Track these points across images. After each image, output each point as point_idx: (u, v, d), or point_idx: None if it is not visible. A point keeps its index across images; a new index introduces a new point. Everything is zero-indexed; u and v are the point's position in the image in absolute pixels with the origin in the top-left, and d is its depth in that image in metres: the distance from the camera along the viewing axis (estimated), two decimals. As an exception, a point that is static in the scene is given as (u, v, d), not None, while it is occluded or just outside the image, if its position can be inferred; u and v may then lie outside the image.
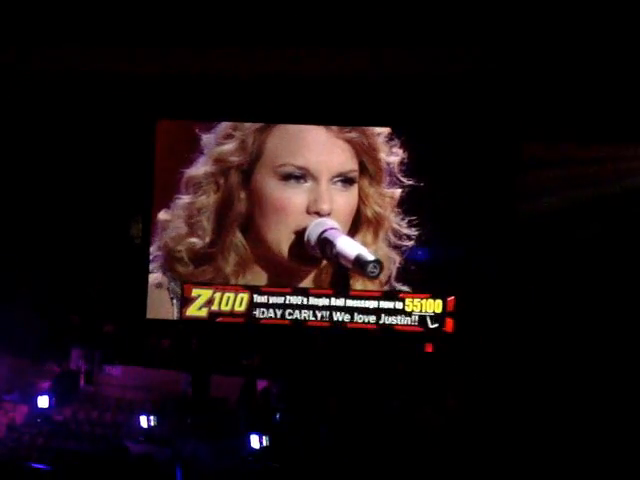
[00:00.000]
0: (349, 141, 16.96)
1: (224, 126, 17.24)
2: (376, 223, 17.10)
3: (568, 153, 17.81)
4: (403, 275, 17.38)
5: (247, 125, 17.15)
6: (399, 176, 17.12)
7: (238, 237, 17.12)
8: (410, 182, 17.13)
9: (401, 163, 17.13)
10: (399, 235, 17.24)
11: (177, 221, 17.46)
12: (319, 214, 16.69)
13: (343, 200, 16.89)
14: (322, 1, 16.33)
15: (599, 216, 17.74)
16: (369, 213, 17.05)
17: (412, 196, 17.23)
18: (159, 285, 17.70)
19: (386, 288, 17.50)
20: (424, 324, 17.64)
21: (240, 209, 17.08)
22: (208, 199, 17.15)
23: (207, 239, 17.26)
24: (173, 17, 17.06)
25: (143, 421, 17.94)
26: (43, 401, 18.80)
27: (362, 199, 16.97)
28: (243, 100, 17.80)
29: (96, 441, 18.05)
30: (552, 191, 17.87)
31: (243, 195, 17.03)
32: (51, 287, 20.21)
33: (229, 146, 17.08)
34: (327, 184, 16.73)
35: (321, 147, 17.07)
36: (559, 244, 17.66)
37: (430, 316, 17.64)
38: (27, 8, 17.22)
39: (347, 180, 16.86)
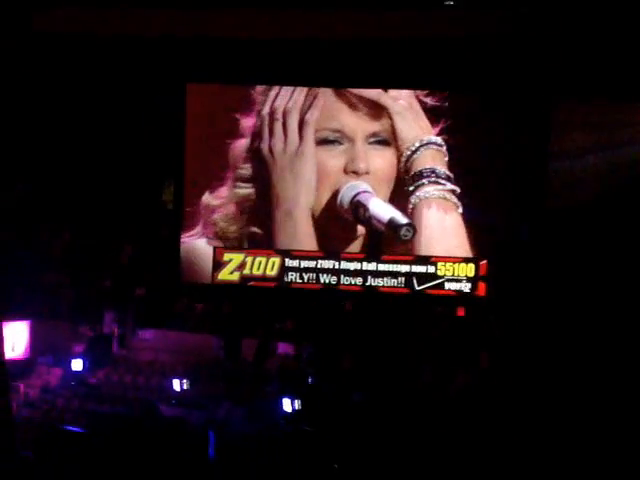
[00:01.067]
0: (372, 103, 17.06)
1: (257, 99, 17.21)
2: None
3: (603, 114, 17.62)
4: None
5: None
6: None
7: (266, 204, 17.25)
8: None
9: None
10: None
11: (229, 205, 17.62)
12: (356, 173, 16.79)
13: (380, 160, 17.02)
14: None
15: (634, 181, 17.56)
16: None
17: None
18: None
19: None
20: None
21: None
22: (244, 172, 17.28)
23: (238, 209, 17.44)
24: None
25: (176, 385, 18.00)
26: (77, 364, 18.93)
27: (399, 159, 17.01)
28: (276, 63, 17.73)
29: (129, 404, 18.12)
30: (588, 153, 17.71)
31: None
32: (84, 251, 20.30)
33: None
34: (363, 144, 16.86)
35: (353, 109, 17.07)
36: (594, 212, 17.48)
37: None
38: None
39: (382, 141, 16.92)
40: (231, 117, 17.38)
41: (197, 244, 17.68)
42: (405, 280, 17.62)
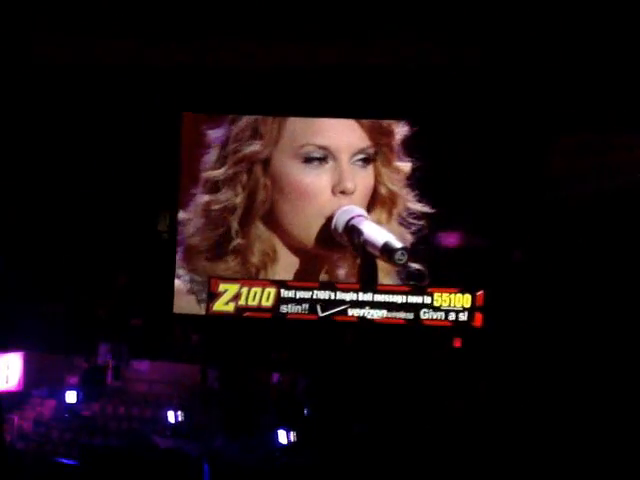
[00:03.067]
0: (360, 122, 17.15)
1: (244, 124, 17.23)
2: (390, 202, 17.09)
3: (595, 142, 17.64)
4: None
5: (268, 118, 17.13)
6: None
7: (261, 228, 17.17)
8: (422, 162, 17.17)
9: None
10: (412, 213, 17.18)
11: (197, 219, 17.57)
12: (344, 193, 16.77)
13: (363, 179, 17.10)
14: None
15: (627, 205, 17.55)
16: (383, 191, 17.06)
17: (439, 185, 17.21)
18: (188, 291, 17.81)
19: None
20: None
21: (262, 199, 17.13)
22: (235, 198, 17.20)
23: (236, 236, 17.32)
24: (198, 11, 17.07)
25: (170, 416, 17.88)
26: (71, 396, 18.78)
27: (377, 179, 16.98)
28: (262, 94, 17.78)
29: (123, 436, 17.99)
30: (581, 180, 17.71)
31: (265, 185, 17.07)
32: (78, 282, 20.20)
33: (252, 145, 17.11)
34: (348, 163, 16.81)
35: (339, 126, 17.14)
36: (588, 235, 17.47)
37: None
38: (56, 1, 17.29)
39: (365, 159, 17.05)
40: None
41: (186, 285, 17.76)
42: (402, 310, 17.58)
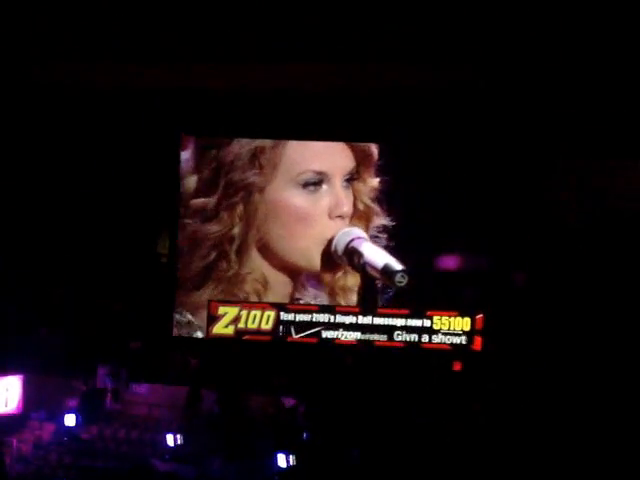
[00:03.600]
0: (349, 144, 17.25)
1: (239, 150, 17.24)
2: (366, 217, 17.09)
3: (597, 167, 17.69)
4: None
5: (265, 144, 17.15)
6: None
7: (254, 256, 17.23)
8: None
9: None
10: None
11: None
12: (341, 217, 16.80)
13: (349, 199, 17.02)
14: (335, 21, 16.43)
15: (628, 229, 17.58)
16: (361, 206, 17.09)
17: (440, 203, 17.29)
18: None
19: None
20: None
21: (258, 227, 17.17)
22: (232, 228, 17.25)
23: (234, 265, 17.36)
24: (200, 35, 17.14)
25: (170, 440, 17.83)
26: (70, 419, 18.74)
27: (355, 196, 17.11)
28: (256, 117, 17.85)
29: (122, 459, 17.94)
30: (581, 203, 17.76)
31: (261, 212, 17.12)
32: (77, 305, 20.19)
33: (255, 175, 17.17)
34: (341, 186, 16.89)
35: (332, 150, 17.22)
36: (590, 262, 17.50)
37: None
38: (56, 26, 17.34)
39: (350, 179, 17.13)
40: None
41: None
42: (401, 334, 17.59)
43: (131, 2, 16.49)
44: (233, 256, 17.26)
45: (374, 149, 17.31)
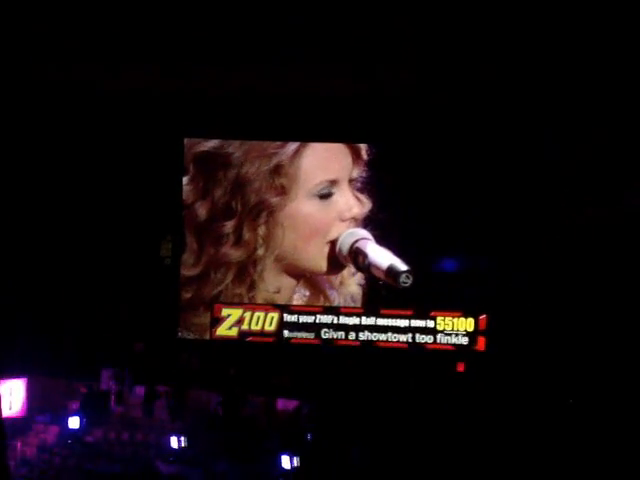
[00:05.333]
0: (353, 149, 17.29)
1: (257, 172, 17.27)
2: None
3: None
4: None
5: (285, 162, 17.16)
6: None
7: (271, 269, 17.31)
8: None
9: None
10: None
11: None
12: (354, 219, 16.89)
13: (358, 200, 17.17)
14: (336, 25, 16.50)
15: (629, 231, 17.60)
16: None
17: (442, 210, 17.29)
18: None
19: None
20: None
21: (278, 243, 17.26)
22: (256, 252, 17.38)
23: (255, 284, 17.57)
24: (202, 37, 17.18)
25: (174, 442, 17.83)
26: (74, 422, 18.73)
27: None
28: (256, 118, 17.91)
29: (127, 462, 17.93)
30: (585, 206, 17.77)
31: (281, 228, 17.21)
32: (81, 308, 20.20)
33: (277, 197, 17.25)
34: (348, 189, 16.99)
35: (339, 155, 17.32)
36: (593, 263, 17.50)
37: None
38: (60, 27, 17.38)
39: (354, 182, 17.20)
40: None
41: None
42: (405, 334, 17.58)
43: (134, 3, 16.52)
44: (256, 277, 17.34)
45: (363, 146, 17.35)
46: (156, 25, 16.67)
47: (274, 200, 17.21)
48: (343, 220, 17.07)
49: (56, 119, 19.06)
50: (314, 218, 17.12)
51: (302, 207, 17.16)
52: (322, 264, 17.15)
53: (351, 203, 17.09)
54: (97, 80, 17.98)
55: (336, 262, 17.07)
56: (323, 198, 17.12)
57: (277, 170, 17.19)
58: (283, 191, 17.15)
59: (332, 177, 17.14)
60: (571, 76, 16.49)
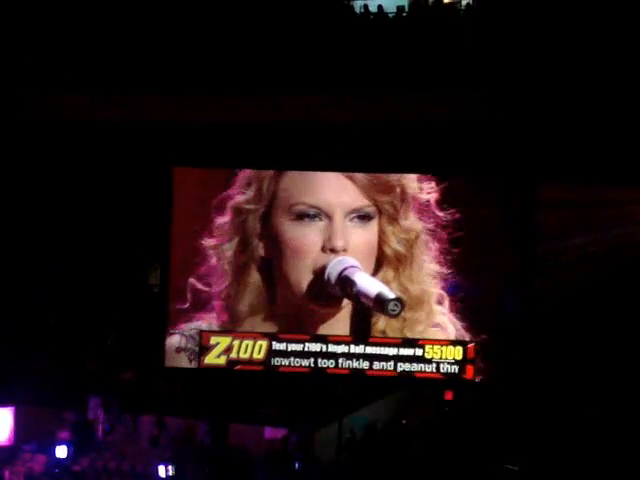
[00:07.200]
0: (354, 180, 17.09)
1: (241, 177, 17.33)
2: (397, 261, 17.09)
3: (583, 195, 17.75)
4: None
5: (263, 173, 17.25)
6: (436, 212, 17.14)
7: (255, 278, 17.23)
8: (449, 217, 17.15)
9: (437, 201, 17.17)
10: (430, 273, 17.22)
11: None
12: (333, 251, 16.80)
13: (360, 236, 17.00)
14: (331, 52, 16.61)
15: (617, 256, 17.66)
16: (388, 251, 17.05)
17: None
18: (179, 350, 17.81)
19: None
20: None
21: (258, 252, 17.20)
22: (229, 244, 17.27)
23: (226, 282, 17.36)
24: (190, 66, 17.27)
25: (161, 471, 17.75)
26: (61, 451, 18.64)
27: (381, 237, 17.00)
28: (257, 147, 17.93)
29: (114, 491, 17.89)
30: (573, 232, 17.82)
31: (261, 239, 17.15)
32: (69, 335, 20.17)
33: (247, 196, 17.21)
34: (342, 221, 16.86)
35: (332, 185, 17.20)
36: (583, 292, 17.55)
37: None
38: (45, 58, 17.45)
39: (364, 216, 17.00)
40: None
41: (182, 341, 17.84)
42: (393, 363, 17.58)
43: (124, 35, 16.62)
44: (229, 270, 17.41)
45: (398, 185, 17.25)
46: (144, 55, 16.79)
47: (249, 205, 17.28)
48: (324, 251, 16.94)
49: (47, 148, 19.10)
50: (291, 238, 17.06)
51: (279, 222, 17.13)
52: (303, 288, 17.10)
53: (335, 235, 16.83)
54: (86, 110, 18.04)
55: (326, 292, 16.98)
56: (301, 219, 17.01)
57: (253, 177, 17.39)
58: (257, 198, 17.28)
59: (315, 203, 17.00)
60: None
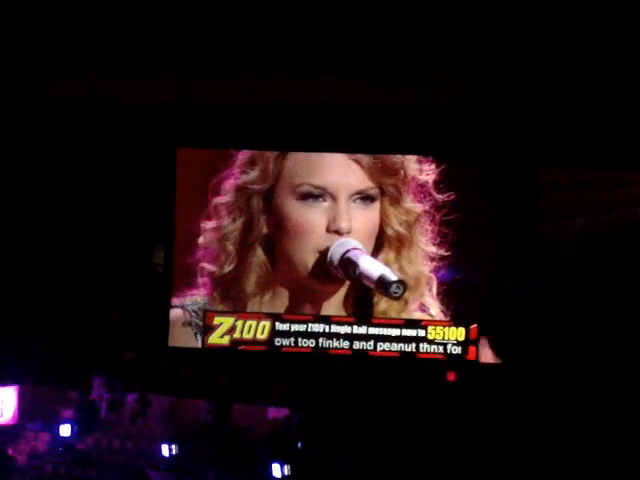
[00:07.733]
0: (359, 163, 17.11)
1: (245, 155, 17.36)
2: (398, 242, 17.15)
3: (586, 178, 17.78)
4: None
5: (267, 153, 17.28)
6: (434, 193, 17.18)
7: (260, 257, 17.28)
8: (445, 198, 17.18)
9: (435, 182, 17.20)
10: (426, 254, 17.28)
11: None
12: (338, 232, 16.85)
13: (363, 218, 17.04)
14: (332, 31, 16.57)
15: (619, 240, 17.70)
16: (390, 232, 17.09)
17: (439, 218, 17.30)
18: (184, 324, 17.85)
19: (414, 307, 17.43)
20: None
21: (262, 231, 17.27)
22: (234, 224, 17.30)
23: (232, 263, 17.40)
24: (194, 47, 17.23)
25: (165, 450, 17.83)
26: (65, 430, 18.72)
27: (383, 218, 17.04)
28: (260, 128, 17.93)
29: (118, 470, 17.92)
30: (574, 215, 17.85)
31: (265, 218, 17.19)
32: (73, 315, 20.20)
33: (251, 175, 17.24)
34: (346, 202, 16.88)
35: (337, 167, 17.25)
36: (582, 270, 17.57)
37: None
38: (49, 39, 17.42)
39: (367, 197, 17.03)
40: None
41: (186, 316, 17.82)
42: (396, 343, 17.63)
43: (130, 14, 16.59)
44: (233, 250, 17.46)
45: (402, 167, 17.36)
46: (152, 37, 16.78)
47: (253, 185, 17.34)
48: (328, 231, 17.01)
49: (49, 132, 19.10)
50: (295, 218, 17.13)
51: (283, 201, 17.19)
52: (307, 268, 17.14)
53: (340, 216, 16.92)
54: (87, 91, 18.04)
55: (329, 273, 17.05)
56: (305, 199, 17.06)
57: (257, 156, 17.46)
58: (261, 176, 17.33)
59: (320, 184, 17.08)
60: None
